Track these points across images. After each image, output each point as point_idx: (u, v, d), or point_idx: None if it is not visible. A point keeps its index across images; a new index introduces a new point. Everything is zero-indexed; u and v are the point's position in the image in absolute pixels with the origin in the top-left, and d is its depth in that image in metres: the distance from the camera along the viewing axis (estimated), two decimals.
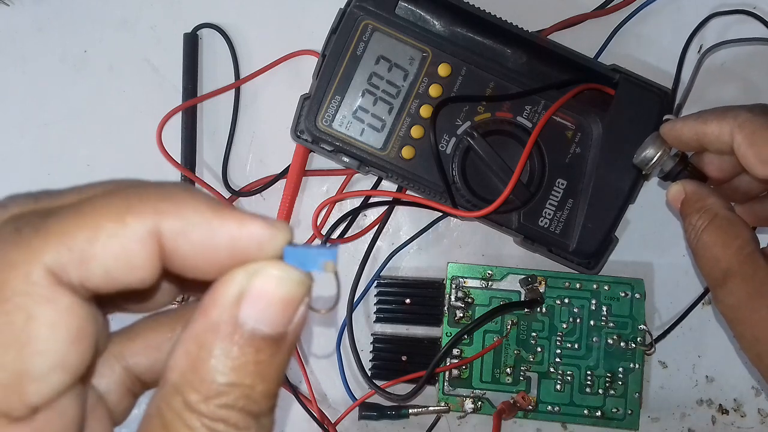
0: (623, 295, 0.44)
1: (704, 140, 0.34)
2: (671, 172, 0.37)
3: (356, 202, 0.46)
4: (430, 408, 0.44)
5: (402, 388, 0.44)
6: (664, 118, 0.37)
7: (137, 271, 0.17)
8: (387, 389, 0.44)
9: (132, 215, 0.17)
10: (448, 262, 0.44)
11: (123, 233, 0.17)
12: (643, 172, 0.38)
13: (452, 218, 0.46)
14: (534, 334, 0.44)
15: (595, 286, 0.44)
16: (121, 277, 0.17)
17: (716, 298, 0.33)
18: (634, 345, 0.43)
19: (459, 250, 0.46)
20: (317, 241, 0.45)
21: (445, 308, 0.44)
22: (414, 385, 0.43)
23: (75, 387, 0.18)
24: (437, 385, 0.44)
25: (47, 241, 0.16)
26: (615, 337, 0.43)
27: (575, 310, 0.44)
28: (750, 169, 0.32)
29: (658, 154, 0.36)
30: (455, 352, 0.44)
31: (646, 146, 0.37)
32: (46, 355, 0.16)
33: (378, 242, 0.46)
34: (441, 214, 0.45)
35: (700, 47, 0.46)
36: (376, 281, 0.46)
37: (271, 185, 0.46)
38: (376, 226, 0.46)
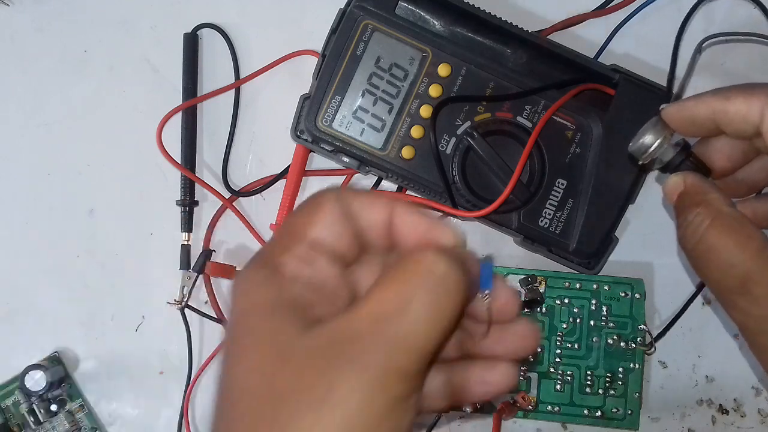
0: (623, 295, 0.44)
1: (724, 120, 0.30)
2: (671, 162, 0.33)
3: None
4: None
5: None
6: (661, 108, 0.33)
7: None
8: None
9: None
10: None
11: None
12: (640, 162, 0.34)
13: (452, 218, 0.46)
14: None
15: (595, 286, 0.44)
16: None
17: (735, 307, 0.30)
18: (634, 345, 0.43)
19: None
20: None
21: None
22: None
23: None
24: None
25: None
26: (615, 337, 0.43)
27: (575, 310, 0.44)
28: None
29: (658, 141, 0.32)
30: None
31: (645, 132, 0.33)
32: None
33: None
34: (441, 214, 0.45)
35: (702, 41, 0.46)
36: None
37: (271, 185, 0.46)
38: None
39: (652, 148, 0.32)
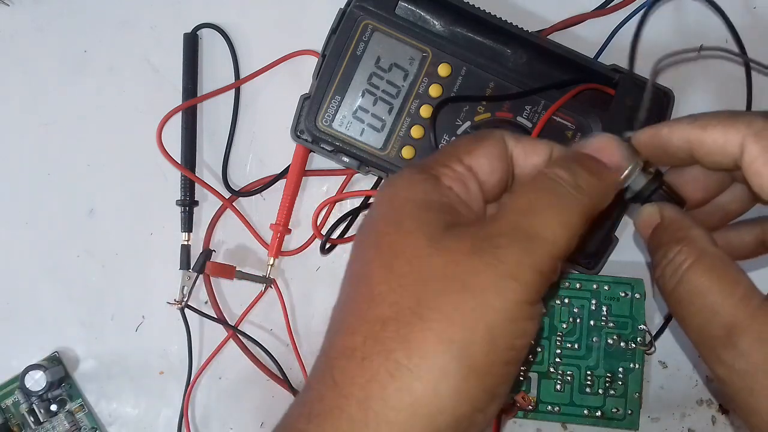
0: (623, 295, 0.44)
1: (700, 150, 0.28)
2: (642, 192, 0.30)
3: (356, 202, 0.46)
4: None
5: None
6: (625, 136, 0.31)
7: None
8: None
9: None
10: None
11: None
12: None
13: None
14: None
15: (595, 286, 0.44)
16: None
17: (718, 359, 0.27)
18: (634, 345, 0.43)
19: None
20: None
21: None
22: None
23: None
24: None
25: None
26: (615, 337, 0.43)
27: (575, 310, 0.44)
28: (764, 191, 0.27)
29: (629, 169, 0.30)
30: None
31: None
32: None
33: None
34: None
35: (700, 46, 0.46)
36: None
37: (271, 185, 0.46)
38: None
39: (623, 176, 0.30)
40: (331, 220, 0.46)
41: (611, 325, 0.44)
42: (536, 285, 0.25)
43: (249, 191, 0.47)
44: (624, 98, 0.41)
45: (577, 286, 0.44)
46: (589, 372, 0.43)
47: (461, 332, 0.24)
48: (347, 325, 0.26)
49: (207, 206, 0.47)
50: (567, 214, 0.26)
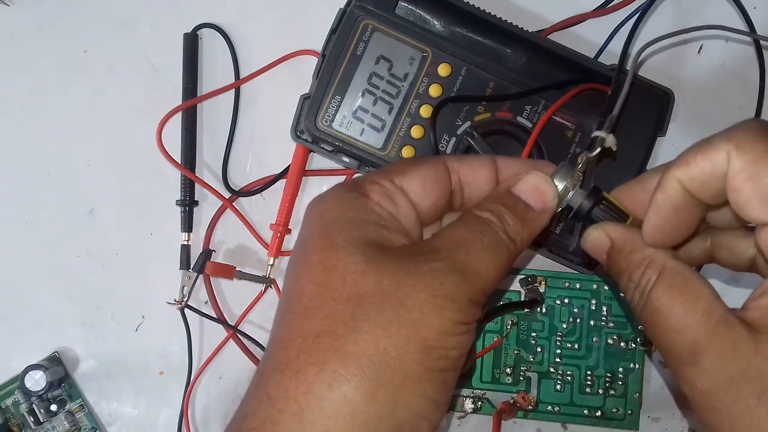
0: (623, 294, 0.44)
1: (693, 187, 0.26)
2: (581, 209, 0.30)
3: None
4: None
5: None
6: (593, 135, 0.31)
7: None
8: None
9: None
10: None
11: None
12: None
13: None
14: (534, 334, 0.44)
15: (595, 286, 0.44)
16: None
17: (683, 378, 0.26)
18: (634, 345, 0.43)
19: None
20: None
21: None
22: None
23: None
24: None
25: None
26: (615, 337, 0.44)
27: (575, 310, 0.44)
28: (741, 209, 0.25)
29: (562, 186, 0.30)
30: None
31: (551, 178, 0.30)
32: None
33: None
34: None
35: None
36: None
37: (271, 185, 0.46)
38: None
39: (554, 204, 0.30)
40: None
41: (611, 325, 0.44)
42: (470, 309, 0.27)
43: (249, 191, 0.46)
44: (617, 96, 0.41)
45: (577, 286, 0.44)
46: (589, 372, 0.43)
47: (396, 343, 0.25)
48: (280, 340, 0.26)
49: (207, 206, 0.47)
50: (500, 259, 0.28)
